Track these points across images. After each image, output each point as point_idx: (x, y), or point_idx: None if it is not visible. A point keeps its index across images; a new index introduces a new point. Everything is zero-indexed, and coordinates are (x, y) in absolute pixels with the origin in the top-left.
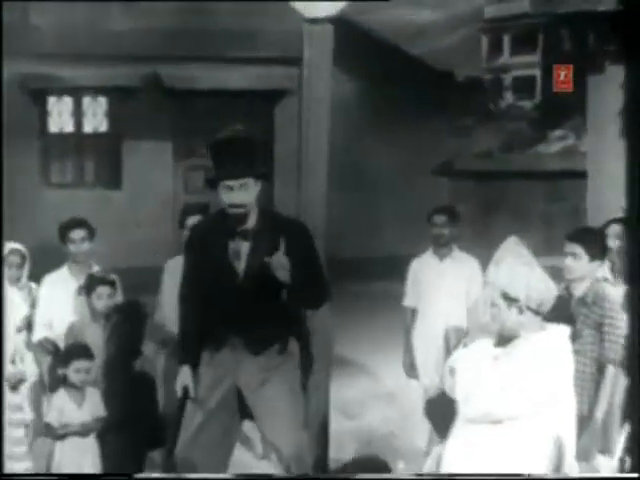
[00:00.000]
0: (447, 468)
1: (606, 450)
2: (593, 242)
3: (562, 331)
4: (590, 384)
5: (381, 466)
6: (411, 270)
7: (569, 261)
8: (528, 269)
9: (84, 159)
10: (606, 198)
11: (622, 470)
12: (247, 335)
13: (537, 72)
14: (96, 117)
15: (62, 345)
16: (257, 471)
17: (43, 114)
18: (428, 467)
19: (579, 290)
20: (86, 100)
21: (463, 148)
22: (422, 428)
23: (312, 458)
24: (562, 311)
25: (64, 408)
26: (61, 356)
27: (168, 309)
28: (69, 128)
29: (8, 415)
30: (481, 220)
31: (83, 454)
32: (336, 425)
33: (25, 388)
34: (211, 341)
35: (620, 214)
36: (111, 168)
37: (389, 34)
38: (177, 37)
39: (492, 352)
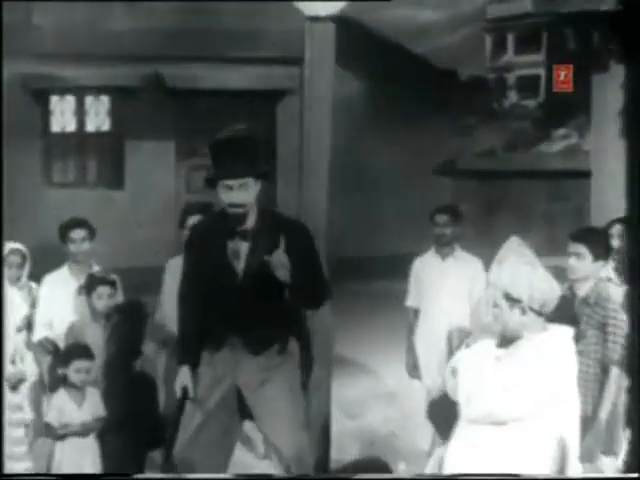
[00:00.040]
0: (449, 470)
1: (610, 451)
2: (597, 242)
3: (565, 332)
4: (594, 385)
5: (382, 468)
6: (413, 270)
7: (572, 261)
8: (531, 269)
9: (86, 159)
10: (609, 197)
11: (627, 471)
12: (246, 335)
13: (541, 71)
14: (98, 116)
15: (62, 345)
16: (258, 471)
17: (45, 113)
18: (430, 468)
19: (582, 290)
20: (88, 99)
21: (466, 147)
22: (424, 429)
23: (313, 459)
24: (565, 311)
25: (64, 408)
26: (61, 356)
27: (169, 309)
28: (71, 127)
29: (8, 415)
30: (484, 219)
31: (83, 454)
32: (337, 425)
33: (25, 388)
34: (210, 341)
35: (624, 214)
36: (113, 168)
37: (391, 33)
38: (179, 37)
39: (494, 353)
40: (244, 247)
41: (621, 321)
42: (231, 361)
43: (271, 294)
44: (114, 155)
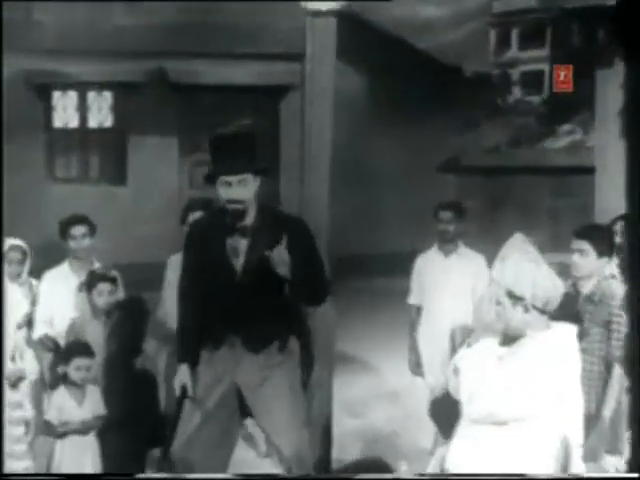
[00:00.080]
0: (451, 469)
1: (614, 450)
2: (601, 239)
3: (569, 330)
4: (598, 383)
5: (384, 468)
6: (416, 267)
7: (576, 258)
8: (534, 267)
9: (89, 154)
10: (613, 194)
11: (628, 471)
12: (246, 333)
13: (545, 67)
14: (101, 112)
15: (63, 342)
16: (260, 470)
17: (48, 109)
18: (432, 468)
19: (586, 288)
20: (91, 95)
21: (470, 143)
22: (427, 427)
23: (314, 458)
24: (569, 309)
25: (64, 406)
26: (61, 353)
27: (170, 305)
28: (74, 123)
29: (8, 413)
30: (488, 216)
31: (83, 452)
32: (339, 424)
33: (25, 386)
34: (210, 339)
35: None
36: (116, 163)
37: (395, 28)
38: (182, 32)
39: (497, 351)
40: (243, 244)
41: (625, 318)
42: (231, 360)
43: (270, 291)
44: (117, 151)
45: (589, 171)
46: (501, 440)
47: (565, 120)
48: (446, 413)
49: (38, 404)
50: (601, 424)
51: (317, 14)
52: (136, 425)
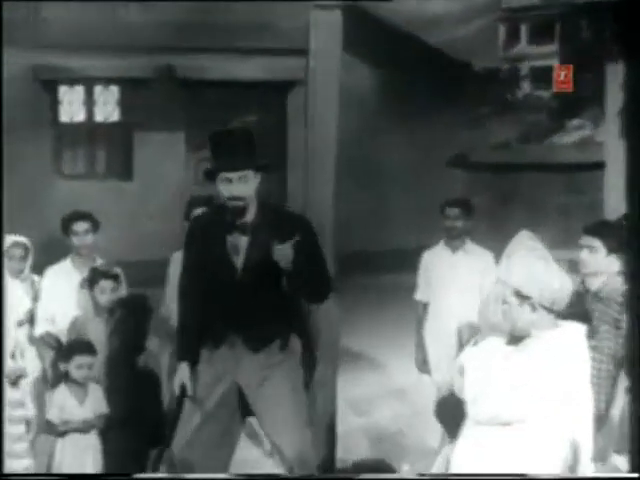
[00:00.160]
0: (456, 470)
1: (623, 450)
2: (610, 235)
3: (577, 329)
4: (606, 381)
5: (387, 470)
6: (422, 263)
7: (585, 254)
8: (541, 264)
9: (95, 149)
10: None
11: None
12: (246, 331)
13: (554, 62)
14: (108, 107)
15: (64, 340)
16: (262, 469)
17: (54, 103)
18: (437, 468)
19: (595, 285)
20: (97, 89)
21: (479, 139)
22: (434, 426)
23: (317, 458)
24: (578, 307)
25: (65, 404)
26: (63, 351)
27: (173, 303)
28: (80, 118)
29: (8, 411)
30: (496, 212)
31: (85, 451)
32: (345, 423)
33: (26, 384)
34: (210, 338)
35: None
36: (123, 159)
37: (404, 23)
38: (189, 28)
39: (503, 351)
40: (243, 241)
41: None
42: (231, 359)
43: (271, 289)
44: (123, 146)
45: (599, 167)
46: (507, 441)
47: (574, 115)
48: (452, 413)
49: (40, 402)
50: (610, 423)
51: (321, 8)
52: (138, 424)
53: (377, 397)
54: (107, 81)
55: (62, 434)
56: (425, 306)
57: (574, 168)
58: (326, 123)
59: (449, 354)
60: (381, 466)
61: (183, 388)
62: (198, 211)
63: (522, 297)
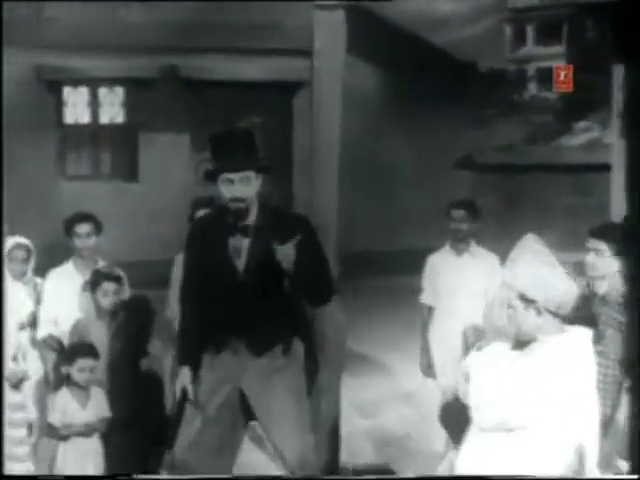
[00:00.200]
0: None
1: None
2: (616, 238)
3: (584, 334)
4: (612, 387)
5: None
6: (428, 266)
7: (592, 258)
8: (547, 268)
9: (100, 150)
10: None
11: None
12: (248, 335)
13: (562, 63)
14: (112, 108)
15: (67, 342)
16: (269, 472)
17: (59, 105)
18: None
19: (602, 288)
20: (102, 91)
21: (485, 141)
22: (441, 430)
23: (320, 463)
24: (584, 310)
25: (67, 408)
26: (65, 354)
27: (176, 305)
28: (85, 119)
29: (8, 415)
30: (503, 214)
31: (87, 455)
32: (350, 426)
33: (28, 387)
34: (211, 342)
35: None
36: (127, 160)
37: (409, 23)
38: (193, 28)
39: (508, 356)
40: (245, 243)
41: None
42: (233, 364)
43: (273, 292)
44: (128, 147)
45: (605, 168)
46: (512, 448)
47: (581, 117)
48: (456, 418)
49: (42, 405)
50: (615, 428)
51: (323, 8)
52: (141, 428)
53: (383, 400)
54: (112, 82)
55: (64, 438)
56: (430, 309)
57: (581, 169)
58: (330, 123)
59: (454, 358)
60: (386, 470)
61: (184, 392)
62: (202, 212)
63: (527, 301)
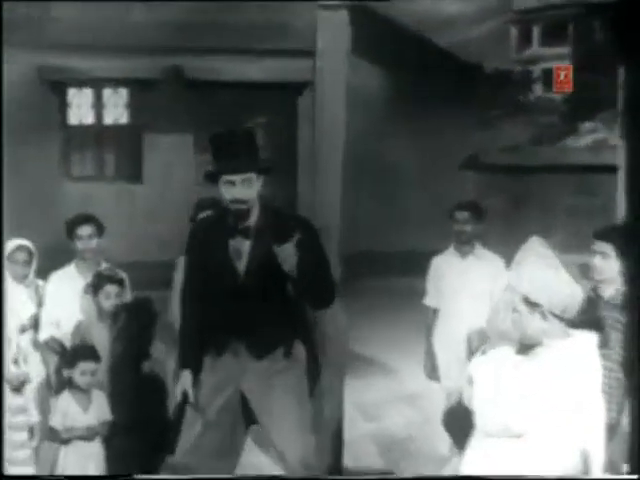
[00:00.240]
0: None
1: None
2: (622, 240)
3: (589, 338)
4: (618, 391)
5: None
6: (432, 268)
7: (597, 261)
8: (551, 272)
9: (104, 152)
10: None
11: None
12: (249, 338)
13: (567, 64)
14: (117, 109)
15: (69, 345)
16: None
17: (63, 106)
18: None
19: (608, 292)
20: (106, 92)
21: (490, 141)
22: (444, 433)
23: (322, 465)
24: (590, 314)
25: (68, 411)
26: (66, 357)
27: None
28: (89, 120)
29: (9, 418)
30: (509, 215)
31: (88, 459)
32: (353, 428)
33: (30, 390)
34: (212, 345)
35: None
36: (132, 161)
37: (415, 24)
38: (198, 29)
39: (513, 360)
40: (246, 245)
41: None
42: (234, 366)
43: (274, 294)
44: (132, 148)
45: (611, 170)
46: (517, 453)
47: (587, 118)
48: (460, 423)
49: (43, 409)
50: (621, 432)
51: (327, 8)
52: (143, 431)
53: (387, 403)
54: (116, 83)
55: (65, 441)
56: (435, 312)
57: (587, 170)
58: (334, 124)
59: (459, 360)
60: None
61: (185, 395)
62: (205, 213)
63: (532, 304)
